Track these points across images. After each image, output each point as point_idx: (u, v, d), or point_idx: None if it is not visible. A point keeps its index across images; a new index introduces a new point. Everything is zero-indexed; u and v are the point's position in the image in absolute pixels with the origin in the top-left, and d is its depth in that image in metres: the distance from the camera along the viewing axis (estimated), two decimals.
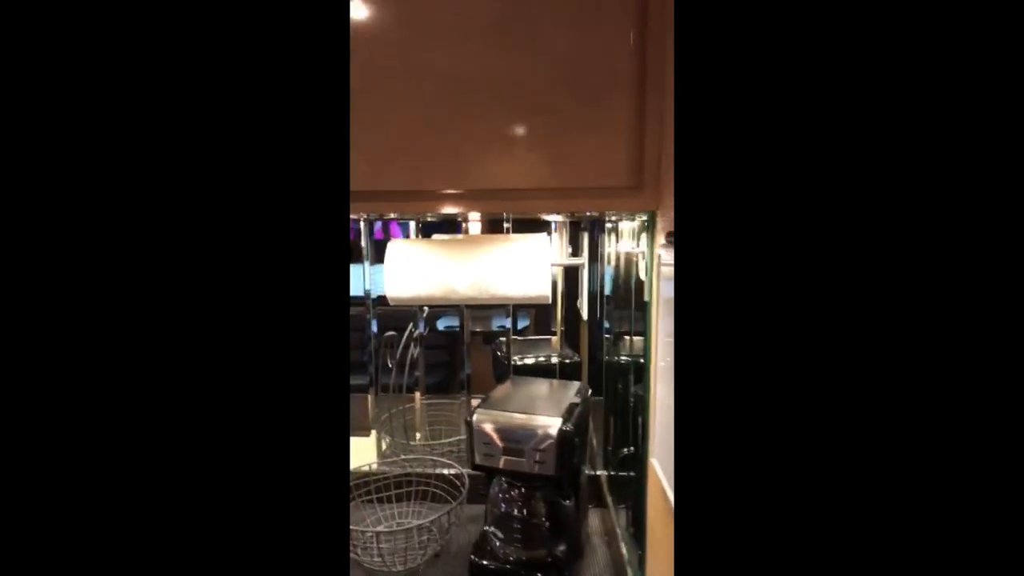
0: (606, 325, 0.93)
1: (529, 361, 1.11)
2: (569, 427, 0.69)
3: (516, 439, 0.70)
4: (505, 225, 0.96)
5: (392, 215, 0.89)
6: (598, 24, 0.55)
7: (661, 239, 0.54)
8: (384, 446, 1.01)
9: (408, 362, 0.98)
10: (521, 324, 1.14)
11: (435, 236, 0.95)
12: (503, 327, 1.09)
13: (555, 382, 0.87)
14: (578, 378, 1.04)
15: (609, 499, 0.87)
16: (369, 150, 0.57)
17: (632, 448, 0.82)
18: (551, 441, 0.68)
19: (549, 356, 1.03)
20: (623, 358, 0.80)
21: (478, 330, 1.13)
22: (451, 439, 1.01)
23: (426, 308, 1.06)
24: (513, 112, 0.57)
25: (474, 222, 0.97)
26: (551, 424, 0.69)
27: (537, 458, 0.70)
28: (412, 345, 0.96)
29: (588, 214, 0.86)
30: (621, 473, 0.84)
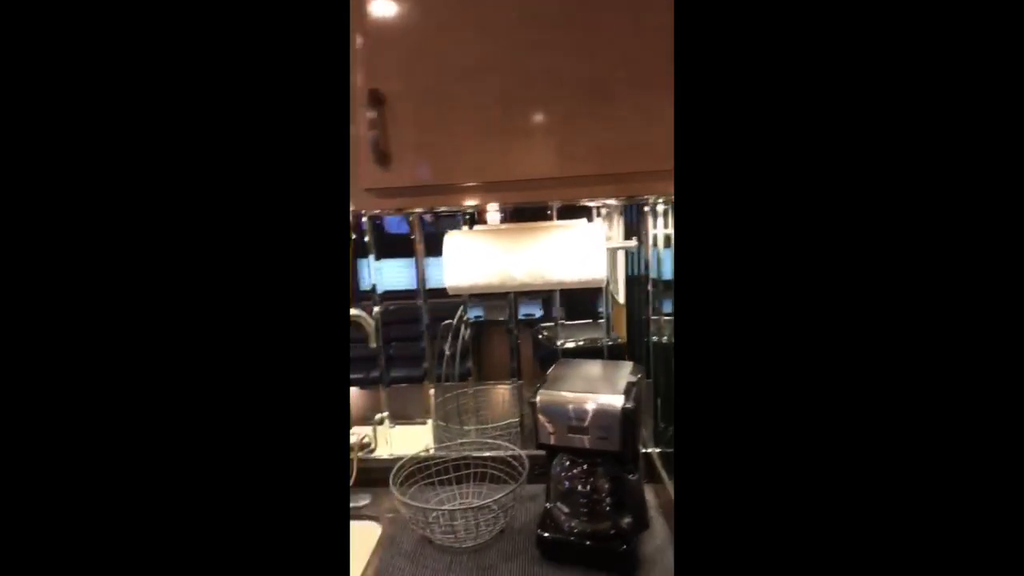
0: (655, 306, 0.95)
1: (570, 345, 1.13)
2: (631, 404, 0.72)
3: (580, 418, 0.73)
4: (547, 212, 0.98)
5: (442, 208, 0.91)
6: (648, 7, 0.56)
7: None
8: (436, 432, 1.04)
9: (459, 349, 1.01)
10: (535, 311, 1.16)
11: (477, 227, 0.97)
12: (530, 315, 1.12)
13: (607, 363, 0.89)
14: (622, 359, 1.07)
15: (663, 474, 0.90)
16: (418, 146, 0.59)
17: None
18: (615, 418, 0.71)
19: (595, 339, 1.06)
20: (669, 339, 0.83)
21: (500, 319, 1.16)
22: (500, 423, 1.04)
23: (469, 296, 1.09)
24: (565, 100, 0.58)
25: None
26: (614, 402, 0.72)
27: (601, 435, 0.73)
28: (463, 328, 0.99)
29: (635, 198, 0.88)
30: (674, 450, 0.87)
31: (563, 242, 0.75)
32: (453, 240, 0.79)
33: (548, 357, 1.10)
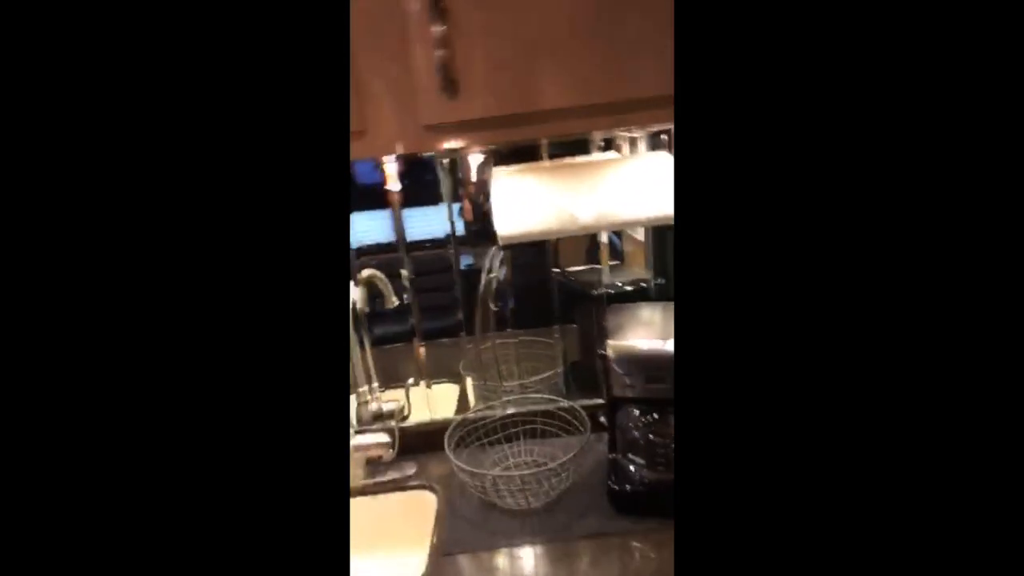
0: None
1: (604, 289, 1.08)
2: None
3: (658, 367, 0.69)
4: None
5: (485, 145, 0.81)
6: None
7: None
8: (477, 389, 0.99)
9: (492, 296, 0.94)
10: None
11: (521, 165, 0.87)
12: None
13: (659, 306, 0.85)
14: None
15: None
16: (494, 66, 0.50)
17: None
18: None
19: (635, 282, 1.00)
20: None
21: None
22: (541, 375, 0.99)
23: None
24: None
25: None
26: None
27: None
28: (500, 265, 0.91)
29: None
30: None
31: (633, 177, 0.68)
32: (503, 181, 0.71)
33: (581, 303, 1.05)
